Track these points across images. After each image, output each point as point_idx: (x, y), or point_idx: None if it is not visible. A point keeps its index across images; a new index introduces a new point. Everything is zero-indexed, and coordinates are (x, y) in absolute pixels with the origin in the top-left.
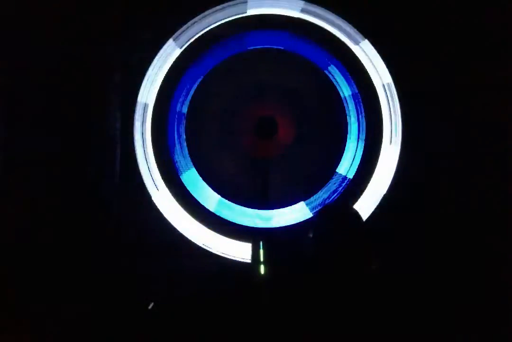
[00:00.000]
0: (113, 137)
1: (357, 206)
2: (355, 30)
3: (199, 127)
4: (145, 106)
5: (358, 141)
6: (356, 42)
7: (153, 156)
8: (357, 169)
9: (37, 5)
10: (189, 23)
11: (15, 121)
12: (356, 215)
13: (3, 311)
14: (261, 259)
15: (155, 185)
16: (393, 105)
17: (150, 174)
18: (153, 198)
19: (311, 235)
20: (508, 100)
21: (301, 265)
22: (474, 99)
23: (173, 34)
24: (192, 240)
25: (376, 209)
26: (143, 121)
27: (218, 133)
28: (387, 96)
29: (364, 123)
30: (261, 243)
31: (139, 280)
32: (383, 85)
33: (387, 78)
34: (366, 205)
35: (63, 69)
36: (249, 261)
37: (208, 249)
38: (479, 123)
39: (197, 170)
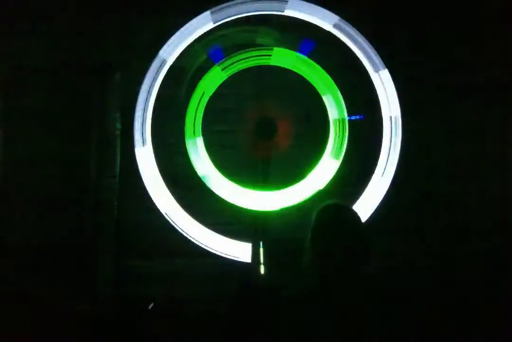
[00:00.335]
0: (113, 137)
1: (357, 206)
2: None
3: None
4: (145, 106)
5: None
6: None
7: (153, 156)
8: (357, 168)
9: (37, 5)
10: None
11: (15, 121)
12: (355, 215)
13: (3, 311)
14: (261, 259)
15: (155, 185)
16: (393, 106)
17: (150, 174)
18: (153, 198)
19: (310, 235)
20: (508, 101)
21: (301, 264)
22: (474, 99)
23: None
24: (192, 240)
25: (376, 209)
26: (143, 121)
27: (218, 133)
28: (386, 97)
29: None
30: (261, 243)
31: (139, 280)
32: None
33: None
34: (366, 205)
35: (63, 69)
36: (249, 261)
37: (208, 249)
38: (478, 124)
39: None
